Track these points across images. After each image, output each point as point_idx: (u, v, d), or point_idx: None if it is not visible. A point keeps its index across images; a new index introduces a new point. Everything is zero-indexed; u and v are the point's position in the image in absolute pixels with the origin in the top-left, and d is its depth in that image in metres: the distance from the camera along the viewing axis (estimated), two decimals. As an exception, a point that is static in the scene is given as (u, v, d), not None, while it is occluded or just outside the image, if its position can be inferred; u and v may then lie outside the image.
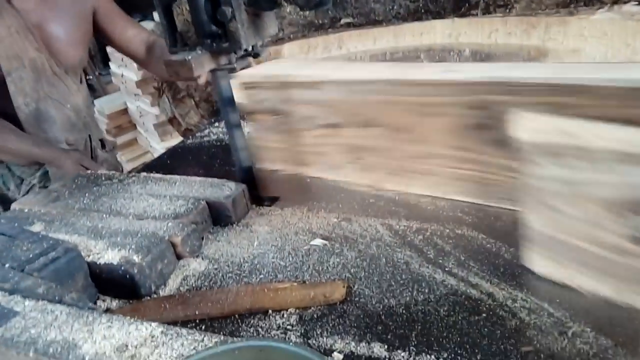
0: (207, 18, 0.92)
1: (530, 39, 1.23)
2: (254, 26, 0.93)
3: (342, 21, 1.54)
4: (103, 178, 1.22)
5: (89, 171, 1.36)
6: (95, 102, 4.29)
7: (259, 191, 1.12)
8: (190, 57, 0.90)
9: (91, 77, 6.11)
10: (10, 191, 1.66)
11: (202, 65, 0.92)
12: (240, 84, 1.16)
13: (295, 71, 1.10)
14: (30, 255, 0.83)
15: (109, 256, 0.86)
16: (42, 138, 1.55)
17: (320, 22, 1.58)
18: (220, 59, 0.96)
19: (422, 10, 1.41)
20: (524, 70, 0.87)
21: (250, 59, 1.01)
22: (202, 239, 0.99)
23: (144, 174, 1.21)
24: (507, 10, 1.34)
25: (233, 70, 0.97)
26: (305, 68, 1.14)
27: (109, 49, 3.95)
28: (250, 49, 0.96)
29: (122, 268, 0.83)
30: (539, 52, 1.24)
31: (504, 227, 0.89)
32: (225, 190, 1.07)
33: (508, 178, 0.91)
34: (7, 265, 0.82)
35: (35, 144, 1.51)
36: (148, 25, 3.73)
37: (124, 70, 3.89)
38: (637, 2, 1.28)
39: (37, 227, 1.02)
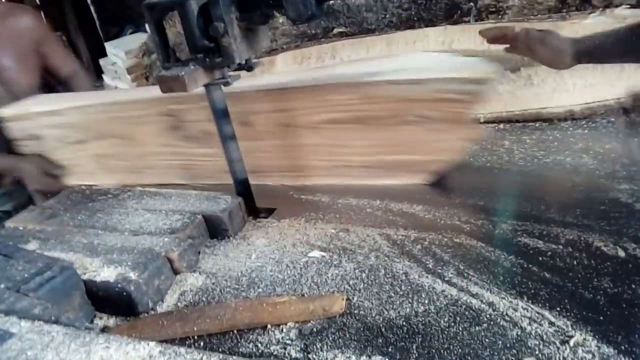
0: (199, 33, 0.91)
1: (524, 45, 1.23)
2: (246, 40, 0.93)
3: (335, 31, 1.55)
4: (98, 193, 1.22)
5: (51, 196, 1.40)
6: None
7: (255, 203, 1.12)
8: (183, 73, 0.90)
9: (85, 89, 6.11)
10: None
11: (195, 81, 0.91)
12: None
13: (41, 105, 1.37)
14: (26, 275, 0.82)
15: (105, 274, 0.85)
16: None
17: (313, 32, 1.58)
18: (213, 74, 0.95)
19: (415, 19, 1.41)
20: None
21: (244, 72, 1.00)
22: (199, 253, 0.99)
23: (139, 188, 1.20)
24: (500, 17, 1.34)
25: (227, 84, 0.97)
26: (51, 101, 1.41)
27: (101, 61, 3.94)
28: (243, 62, 0.96)
29: (119, 285, 0.82)
30: (532, 58, 1.24)
31: (502, 235, 0.89)
32: (221, 203, 1.06)
33: (201, 162, 1.27)
34: (2, 286, 0.81)
35: None
36: (141, 37, 3.73)
37: (117, 83, 3.88)
38: (628, 6, 1.29)
39: (32, 246, 1.01)
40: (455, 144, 1.02)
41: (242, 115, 1.13)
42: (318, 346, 0.70)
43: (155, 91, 1.15)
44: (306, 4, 0.86)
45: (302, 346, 0.71)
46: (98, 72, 5.27)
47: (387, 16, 1.44)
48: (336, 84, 1.03)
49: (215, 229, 1.04)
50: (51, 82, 1.85)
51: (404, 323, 0.72)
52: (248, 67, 1.00)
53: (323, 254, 0.92)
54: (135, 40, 3.68)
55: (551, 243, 0.85)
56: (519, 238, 0.87)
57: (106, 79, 4.04)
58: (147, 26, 4.14)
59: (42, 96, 1.48)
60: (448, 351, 0.66)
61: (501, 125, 1.28)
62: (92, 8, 7.89)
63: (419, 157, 1.06)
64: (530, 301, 0.73)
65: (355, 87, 1.01)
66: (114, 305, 0.84)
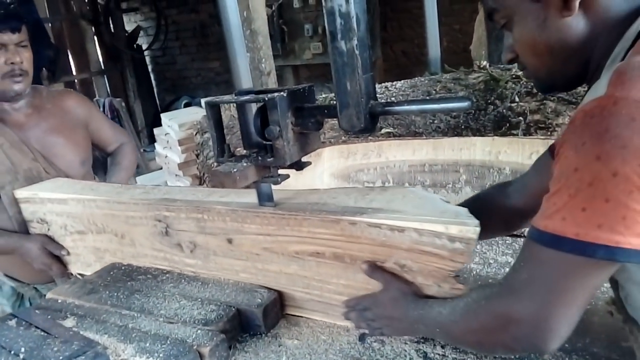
0: (255, 132, 0.96)
1: (572, 163, 1.23)
2: (299, 143, 0.96)
3: (383, 130, 1.59)
4: (138, 272, 1.24)
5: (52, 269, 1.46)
6: (138, 179, 4.43)
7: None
8: (235, 170, 0.93)
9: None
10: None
11: (246, 178, 0.95)
12: (13, 200, 1.46)
13: (50, 192, 1.40)
14: (60, 357, 0.83)
15: (136, 364, 0.85)
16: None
17: (362, 129, 1.63)
18: (264, 172, 0.99)
19: (463, 127, 1.44)
20: (181, 194, 1.21)
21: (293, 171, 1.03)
22: (230, 348, 0.98)
23: (178, 271, 1.22)
24: (549, 133, 1.35)
25: (276, 182, 1.00)
26: (60, 188, 1.43)
27: (155, 131, 4.13)
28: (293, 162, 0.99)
29: (148, 379, 0.82)
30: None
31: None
32: (257, 297, 1.06)
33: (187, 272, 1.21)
34: (36, 367, 0.82)
35: None
36: (196, 111, 3.93)
37: (167, 152, 4.04)
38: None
39: (69, 322, 1.02)
40: None
41: (228, 232, 1.09)
42: None
43: (152, 194, 1.25)
44: (360, 117, 0.89)
45: None
46: (152, 138, 5.51)
47: (436, 122, 1.48)
48: (319, 217, 0.96)
49: (248, 324, 1.03)
50: (102, 155, 1.91)
51: None
52: (298, 166, 1.03)
53: (355, 365, 0.89)
54: (190, 114, 3.85)
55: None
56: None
57: (158, 147, 4.21)
58: (202, 101, 4.35)
59: (58, 180, 1.51)
60: None
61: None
62: (152, 76, 8.41)
63: None
64: None
65: (336, 222, 0.94)
66: (140, 398, 0.83)
